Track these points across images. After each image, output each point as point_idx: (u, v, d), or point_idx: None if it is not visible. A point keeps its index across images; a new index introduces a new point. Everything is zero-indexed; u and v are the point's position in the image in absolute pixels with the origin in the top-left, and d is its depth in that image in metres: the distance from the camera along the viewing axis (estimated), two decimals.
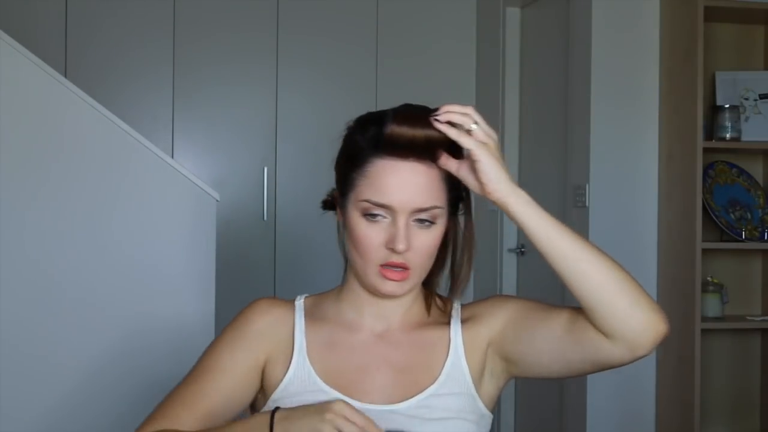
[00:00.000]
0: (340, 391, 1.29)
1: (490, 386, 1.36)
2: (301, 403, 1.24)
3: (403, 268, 1.27)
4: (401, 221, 1.25)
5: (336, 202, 1.35)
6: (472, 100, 4.24)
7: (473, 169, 1.23)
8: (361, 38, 4.12)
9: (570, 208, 3.43)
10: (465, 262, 1.35)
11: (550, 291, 3.69)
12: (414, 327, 1.37)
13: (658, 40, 3.33)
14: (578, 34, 3.42)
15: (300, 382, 1.31)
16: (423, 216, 1.27)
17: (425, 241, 1.27)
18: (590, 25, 3.31)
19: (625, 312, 1.21)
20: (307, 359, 1.32)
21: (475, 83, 4.26)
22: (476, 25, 4.27)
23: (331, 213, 1.38)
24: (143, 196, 2.76)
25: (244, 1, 4.05)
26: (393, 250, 1.25)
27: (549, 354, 1.29)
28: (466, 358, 1.34)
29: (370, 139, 1.26)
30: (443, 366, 1.33)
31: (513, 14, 4.02)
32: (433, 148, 1.24)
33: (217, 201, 2.84)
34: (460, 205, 1.34)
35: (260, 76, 4.06)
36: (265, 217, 4.02)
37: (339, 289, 1.39)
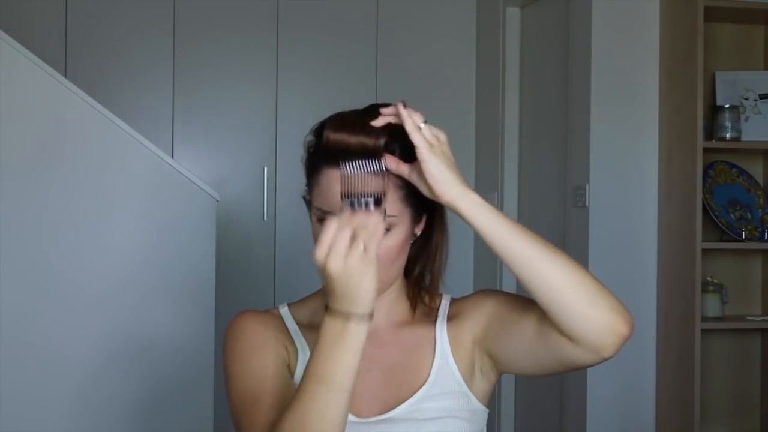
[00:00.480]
0: None
1: (482, 382, 1.36)
2: None
3: None
4: None
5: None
6: (472, 100, 4.24)
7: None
8: (361, 38, 4.12)
9: (570, 208, 3.43)
10: (437, 259, 1.34)
11: None
12: (400, 325, 1.37)
13: (658, 40, 3.33)
14: (578, 34, 3.42)
15: None
16: None
17: (382, 248, 1.20)
18: (590, 25, 3.31)
19: (582, 314, 1.17)
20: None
21: (475, 83, 4.26)
22: (476, 25, 4.27)
23: None
24: (143, 196, 2.76)
25: (244, 1, 4.05)
26: None
27: (524, 353, 1.28)
28: (454, 356, 1.34)
29: (316, 147, 1.27)
30: (431, 367, 1.33)
31: (513, 14, 4.01)
32: (373, 154, 1.19)
33: (217, 201, 2.85)
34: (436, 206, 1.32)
35: (260, 76, 4.06)
36: (265, 217, 4.02)
37: (317, 300, 1.38)
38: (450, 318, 1.37)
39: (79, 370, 2.68)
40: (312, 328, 1.36)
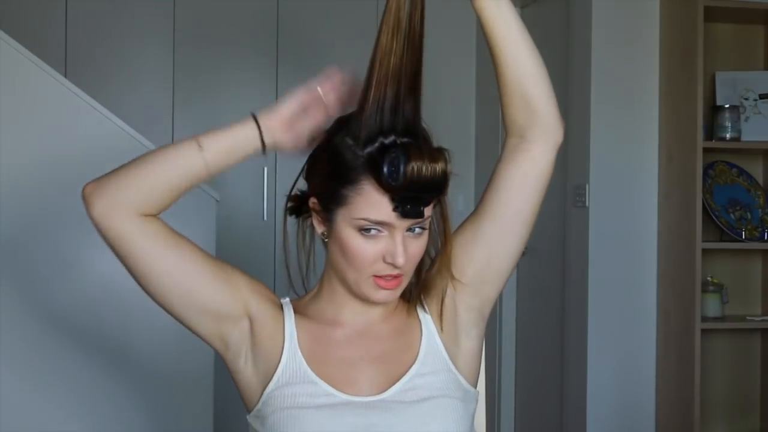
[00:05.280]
0: (328, 382, 1.31)
1: (468, 346, 1.38)
2: (294, 396, 1.29)
3: (397, 276, 1.30)
4: (398, 236, 1.27)
5: (314, 209, 1.35)
6: (472, 100, 4.24)
7: None
8: (361, 38, 4.10)
9: (570, 208, 3.43)
10: (439, 262, 1.36)
11: (550, 291, 3.69)
12: (391, 313, 1.39)
13: (658, 40, 3.33)
14: (578, 34, 3.42)
15: (291, 372, 1.32)
16: (417, 226, 1.28)
17: (417, 249, 1.30)
18: (590, 25, 3.31)
19: (552, 95, 1.41)
20: (298, 349, 1.34)
21: (475, 83, 4.26)
22: (476, 25, 4.27)
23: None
24: None
25: (244, 1, 4.05)
26: (392, 265, 1.27)
27: (506, 223, 1.36)
28: (438, 332, 1.37)
29: (366, 162, 1.24)
30: (420, 345, 1.36)
31: None
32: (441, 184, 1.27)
33: (217, 201, 2.84)
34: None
35: (260, 76, 4.06)
36: (265, 217, 4.03)
37: (316, 291, 1.41)
38: (424, 292, 1.40)
39: (77, 371, 2.68)
40: (307, 316, 1.38)
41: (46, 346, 2.65)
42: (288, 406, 1.29)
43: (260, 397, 1.33)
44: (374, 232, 1.26)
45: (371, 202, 1.24)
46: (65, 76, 2.86)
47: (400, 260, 1.26)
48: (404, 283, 1.31)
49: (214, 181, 4.01)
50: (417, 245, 1.29)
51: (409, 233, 1.28)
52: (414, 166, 1.21)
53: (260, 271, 4.01)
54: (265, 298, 1.37)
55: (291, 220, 1.46)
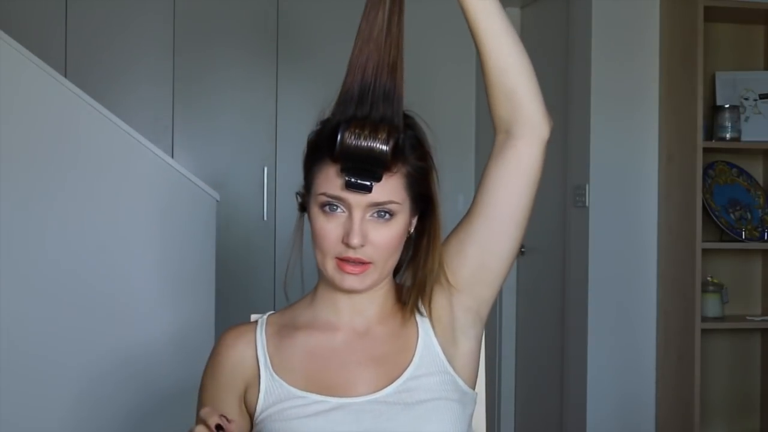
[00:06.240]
0: (321, 392, 1.31)
1: (466, 347, 1.37)
2: (279, 413, 1.29)
3: (361, 262, 1.29)
4: (357, 216, 1.27)
5: (304, 202, 1.36)
6: (472, 100, 4.24)
7: None
8: None
9: (570, 208, 3.43)
10: (429, 261, 1.35)
11: (550, 291, 3.69)
12: (388, 316, 1.39)
13: (658, 40, 3.33)
14: (578, 34, 3.42)
15: (273, 395, 1.33)
16: (382, 210, 1.29)
17: (384, 236, 1.29)
18: (590, 25, 3.32)
19: (536, 90, 1.35)
20: (273, 373, 1.34)
21: (475, 83, 4.26)
22: None
23: None
24: (143, 196, 2.76)
25: (244, 2, 4.05)
26: (347, 245, 1.27)
27: (497, 223, 1.36)
28: (435, 333, 1.36)
29: (327, 139, 1.29)
30: (416, 347, 1.35)
31: (513, 14, 4.02)
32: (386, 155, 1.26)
33: (217, 201, 2.85)
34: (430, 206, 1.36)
35: (260, 76, 4.06)
36: (265, 217, 4.02)
37: (311, 295, 1.41)
38: (420, 293, 1.38)
39: (77, 372, 2.68)
40: (284, 330, 1.38)
41: (44, 349, 2.65)
42: (280, 419, 1.30)
43: (252, 423, 1.36)
44: (337, 210, 1.28)
45: (328, 176, 1.28)
46: (65, 77, 2.86)
47: (354, 239, 1.26)
48: (374, 272, 1.30)
49: (214, 181, 4.02)
50: (384, 233, 1.29)
51: (373, 218, 1.28)
52: (351, 135, 1.25)
53: (260, 271, 4.01)
54: (242, 368, 1.37)
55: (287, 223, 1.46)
